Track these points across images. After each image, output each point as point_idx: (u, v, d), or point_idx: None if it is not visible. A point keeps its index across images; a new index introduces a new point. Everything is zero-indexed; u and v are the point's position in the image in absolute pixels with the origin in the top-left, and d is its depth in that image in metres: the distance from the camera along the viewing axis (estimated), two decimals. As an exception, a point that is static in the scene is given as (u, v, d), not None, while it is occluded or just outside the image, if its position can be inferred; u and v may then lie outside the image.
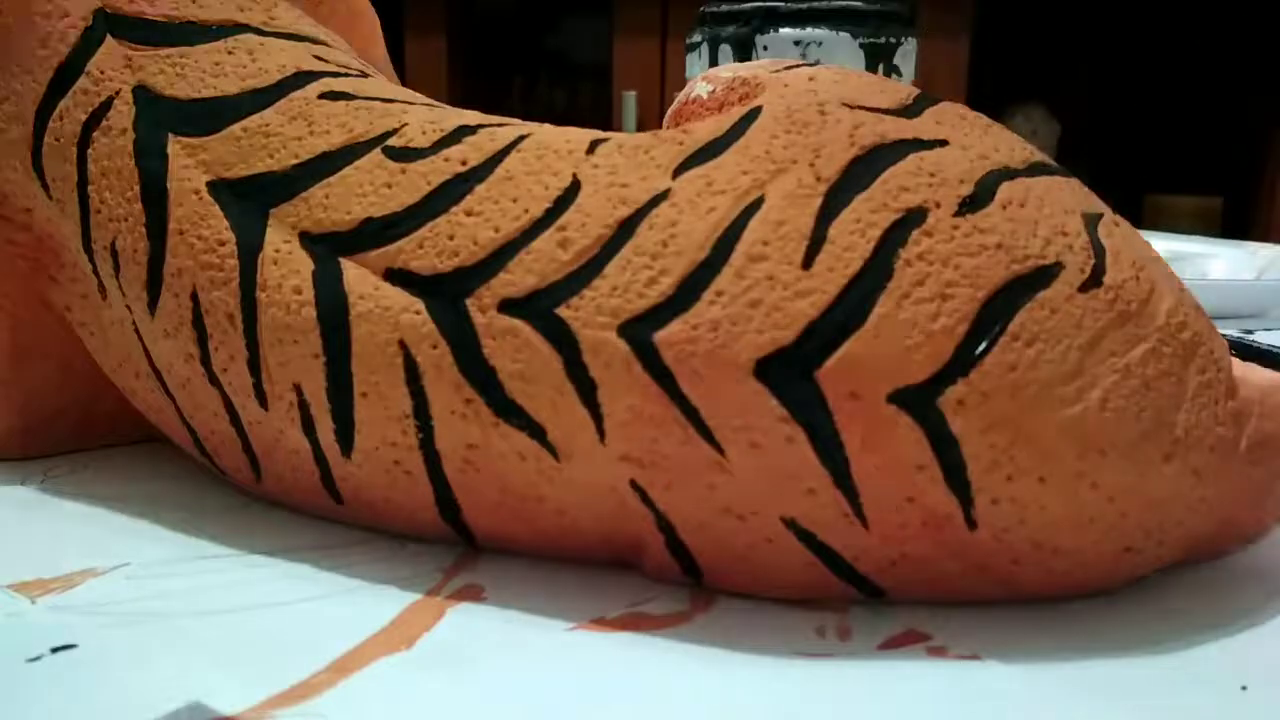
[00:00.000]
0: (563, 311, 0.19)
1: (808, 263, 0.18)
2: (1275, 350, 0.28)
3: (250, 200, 0.21)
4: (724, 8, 0.54)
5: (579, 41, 1.68)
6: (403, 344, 0.19)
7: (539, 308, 0.19)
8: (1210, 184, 1.54)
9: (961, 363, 0.18)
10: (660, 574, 0.20)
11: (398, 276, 0.20)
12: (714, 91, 0.21)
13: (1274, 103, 1.47)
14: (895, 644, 0.18)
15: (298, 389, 0.20)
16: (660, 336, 0.18)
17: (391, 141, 0.21)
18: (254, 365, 0.21)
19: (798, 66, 0.21)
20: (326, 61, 0.24)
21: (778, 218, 0.18)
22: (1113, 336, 0.18)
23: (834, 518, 0.18)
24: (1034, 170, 0.20)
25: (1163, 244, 0.60)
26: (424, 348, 0.19)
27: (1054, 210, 0.19)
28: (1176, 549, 0.19)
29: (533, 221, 0.19)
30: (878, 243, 0.18)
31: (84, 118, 0.23)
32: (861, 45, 0.52)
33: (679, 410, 0.18)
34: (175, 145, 0.22)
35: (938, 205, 0.18)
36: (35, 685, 0.16)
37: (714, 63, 0.54)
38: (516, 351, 0.19)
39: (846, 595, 0.19)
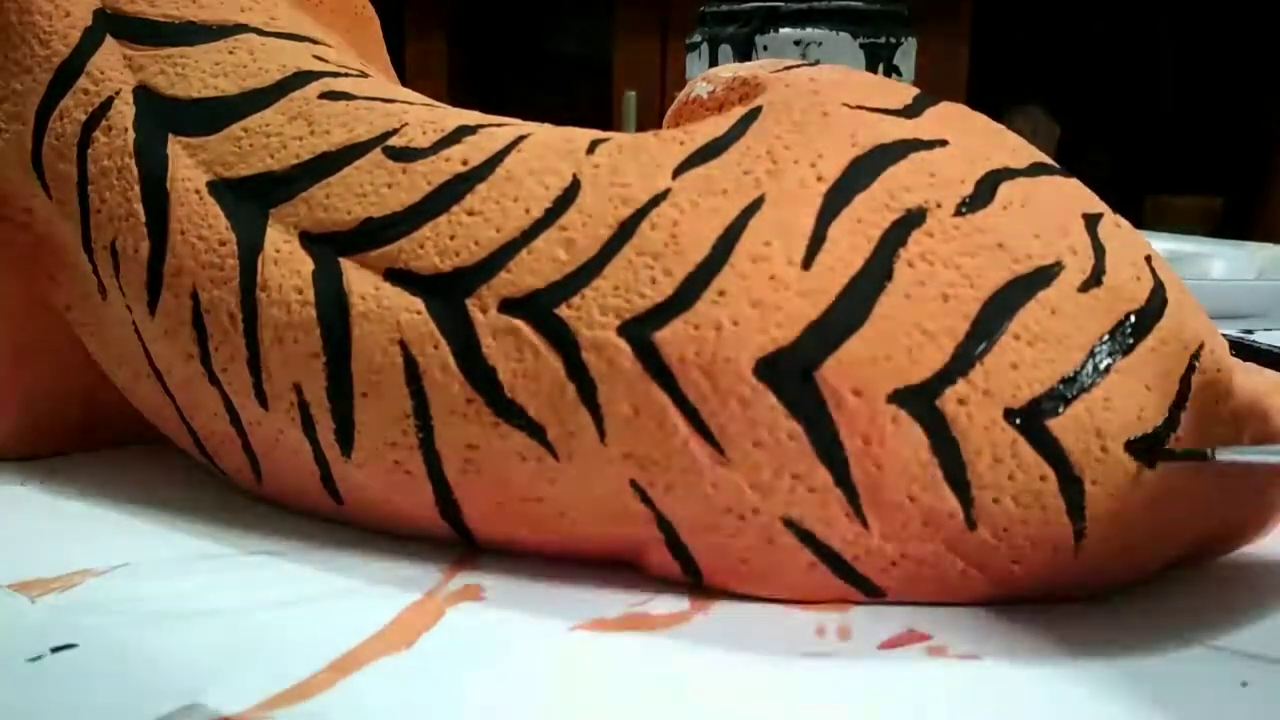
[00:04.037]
0: (563, 311, 0.19)
1: (808, 263, 0.18)
2: (1275, 350, 0.28)
3: (250, 200, 0.21)
4: (724, 8, 0.54)
5: (579, 41, 1.68)
6: (403, 344, 0.19)
7: (539, 308, 0.19)
8: (1210, 184, 1.54)
9: (962, 362, 0.18)
10: (660, 574, 0.20)
11: (398, 276, 0.20)
12: (714, 91, 0.21)
13: (1274, 103, 1.47)
14: (895, 644, 0.18)
15: (298, 389, 0.20)
16: (660, 336, 0.18)
17: (392, 141, 0.21)
18: (254, 365, 0.21)
19: (798, 66, 0.21)
20: (327, 61, 0.24)
21: (778, 217, 0.18)
22: (1113, 337, 0.18)
23: (834, 517, 0.18)
24: (1034, 170, 0.20)
25: (1163, 244, 0.60)
26: (424, 348, 0.19)
27: (1054, 210, 0.19)
28: (1176, 549, 0.19)
29: (533, 221, 0.19)
30: (878, 243, 0.18)
31: (84, 118, 0.23)
32: (861, 45, 0.52)
33: (679, 410, 0.18)
34: (175, 145, 0.22)
35: (938, 205, 0.18)
36: (35, 685, 0.16)
37: (714, 63, 0.54)
38: (517, 351, 0.19)
39: (846, 595, 0.19)
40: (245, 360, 0.21)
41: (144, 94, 0.23)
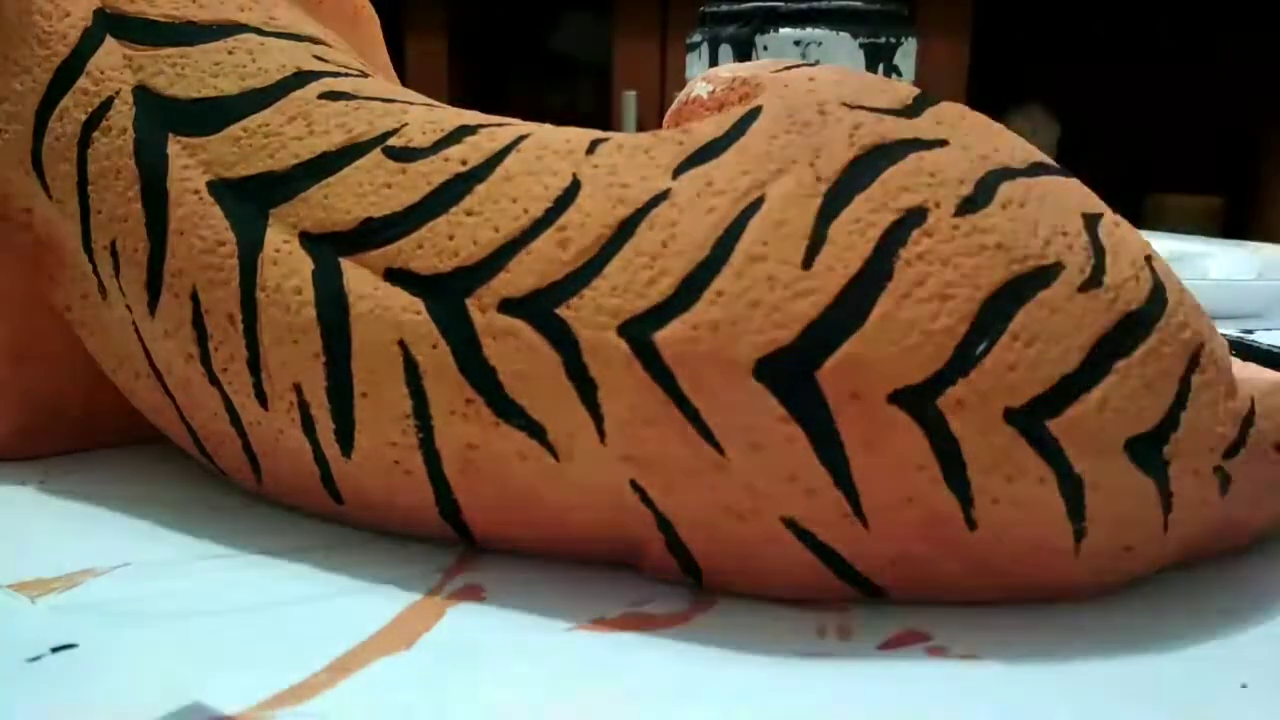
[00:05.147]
0: (563, 311, 0.19)
1: (808, 263, 0.18)
2: (1275, 350, 0.28)
3: (250, 200, 0.21)
4: (724, 8, 0.54)
5: (579, 41, 1.68)
6: (403, 344, 0.19)
7: (539, 308, 0.19)
8: (1210, 184, 1.54)
9: (962, 362, 0.18)
10: (660, 574, 0.20)
11: (398, 276, 0.20)
12: (714, 91, 0.21)
13: (1274, 103, 1.47)
14: (895, 644, 0.18)
15: (298, 389, 0.20)
16: (660, 336, 0.18)
17: (391, 141, 0.21)
18: (254, 365, 0.21)
19: (798, 66, 0.21)
20: (327, 61, 0.24)
21: (778, 218, 0.18)
22: (1113, 337, 0.18)
23: (834, 518, 0.18)
24: (1034, 170, 0.20)
25: (1163, 244, 0.60)
26: (424, 348, 0.19)
27: (1054, 210, 0.19)
28: (1176, 549, 0.19)
29: (533, 221, 0.19)
30: (878, 243, 0.18)
31: (84, 118, 0.23)
32: (861, 45, 0.52)
33: (679, 410, 0.18)
34: (175, 145, 0.22)
35: (938, 205, 0.18)
36: (35, 685, 0.16)
37: (714, 63, 0.54)
38: (516, 351, 0.19)
39: (846, 595, 0.19)
40: (245, 360, 0.21)
41: (144, 94, 0.23)
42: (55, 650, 0.17)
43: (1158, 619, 0.19)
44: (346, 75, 0.23)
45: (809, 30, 0.52)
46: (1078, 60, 1.60)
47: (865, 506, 0.18)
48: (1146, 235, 0.61)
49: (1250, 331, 0.46)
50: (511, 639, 0.18)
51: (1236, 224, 1.49)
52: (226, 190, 0.22)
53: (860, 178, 0.19)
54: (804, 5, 0.52)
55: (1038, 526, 0.18)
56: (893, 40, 0.53)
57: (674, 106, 0.22)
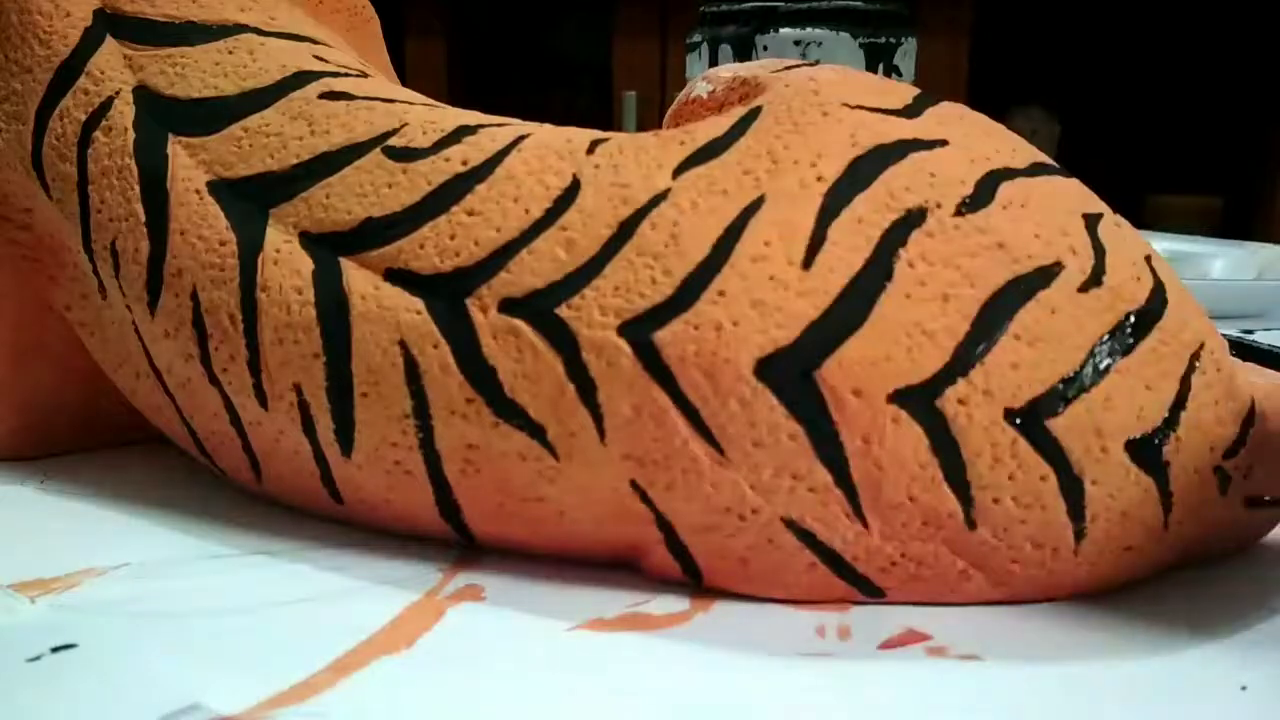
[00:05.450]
0: (563, 311, 0.19)
1: (808, 263, 0.18)
2: (1275, 350, 0.28)
3: (251, 200, 0.21)
4: (724, 8, 0.54)
5: (579, 42, 1.68)
6: (403, 344, 0.19)
7: (539, 307, 0.19)
8: (1210, 184, 1.54)
9: (962, 362, 0.18)
10: (660, 574, 0.20)
11: (398, 276, 0.20)
12: (714, 91, 0.21)
13: (1274, 103, 1.47)
14: (895, 644, 0.18)
15: (298, 389, 0.20)
16: (660, 336, 0.18)
17: (392, 141, 0.21)
18: (254, 365, 0.21)
19: (798, 66, 0.21)
20: (327, 61, 0.24)
21: (778, 217, 0.18)
22: (1113, 336, 0.18)
23: (834, 518, 0.18)
24: (1034, 170, 0.20)
25: (1163, 244, 0.60)
26: (424, 347, 0.19)
27: (1054, 210, 0.19)
28: (1176, 549, 0.19)
29: (533, 221, 0.19)
30: (878, 243, 0.18)
31: (84, 118, 0.23)
32: (861, 45, 0.52)
33: (679, 410, 0.18)
34: (175, 145, 0.22)
35: (938, 205, 0.18)
36: (35, 685, 0.16)
37: (714, 63, 0.54)
38: (517, 351, 0.19)
39: (846, 595, 0.19)
40: (245, 360, 0.21)
41: (144, 94, 0.23)
42: (55, 650, 0.17)
43: (1157, 619, 0.19)
44: (346, 75, 0.23)
45: (809, 30, 0.52)
46: (1078, 60, 1.60)
47: (865, 506, 0.18)
48: (1146, 235, 0.61)
49: (1250, 331, 0.46)
50: (511, 639, 0.18)
51: (1236, 224, 1.49)
52: (227, 190, 0.22)
53: (861, 178, 0.19)
54: (804, 5, 0.52)
55: (1038, 526, 0.18)
56: (893, 40, 0.53)
57: (674, 106, 0.22)
